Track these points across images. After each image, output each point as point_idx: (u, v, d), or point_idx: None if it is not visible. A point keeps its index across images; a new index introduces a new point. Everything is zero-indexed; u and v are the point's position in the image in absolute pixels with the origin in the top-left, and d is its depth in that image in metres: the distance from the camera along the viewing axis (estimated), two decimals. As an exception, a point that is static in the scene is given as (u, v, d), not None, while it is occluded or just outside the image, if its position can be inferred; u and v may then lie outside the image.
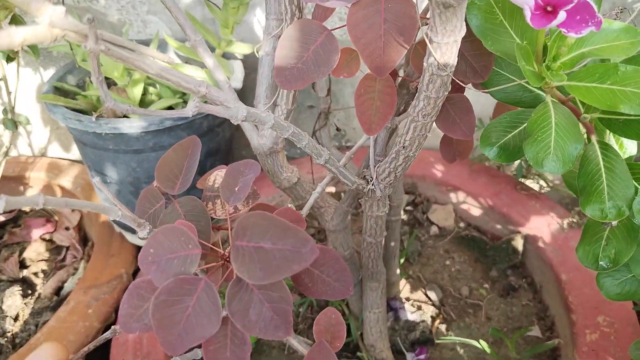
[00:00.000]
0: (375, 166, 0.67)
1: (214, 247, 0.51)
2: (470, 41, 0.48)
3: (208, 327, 0.41)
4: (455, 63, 0.45)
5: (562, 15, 0.36)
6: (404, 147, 0.57)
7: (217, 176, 0.60)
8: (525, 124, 0.49)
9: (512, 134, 0.49)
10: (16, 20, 0.83)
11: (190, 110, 0.43)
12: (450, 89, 0.48)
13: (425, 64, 0.46)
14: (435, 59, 0.43)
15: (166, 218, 0.57)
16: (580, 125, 0.50)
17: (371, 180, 0.67)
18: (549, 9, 0.39)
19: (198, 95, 0.45)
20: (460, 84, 0.50)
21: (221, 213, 0.58)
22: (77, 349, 0.89)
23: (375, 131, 0.56)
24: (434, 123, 0.55)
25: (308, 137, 0.57)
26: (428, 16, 0.54)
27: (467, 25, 0.43)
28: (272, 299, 0.42)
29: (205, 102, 0.48)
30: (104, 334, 0.56)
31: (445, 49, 0.42)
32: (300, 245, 0.38)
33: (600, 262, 0.55)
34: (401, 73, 0.66)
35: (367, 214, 0.74)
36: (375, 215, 0.74)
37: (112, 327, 0.57)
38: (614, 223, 0.54)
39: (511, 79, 0.53)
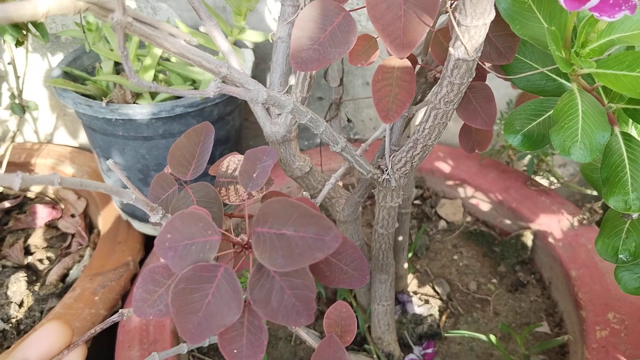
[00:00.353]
0: (390, 155, 0.66)
1: (229, 235, 0.51)
2: (494, 22, 0.47)
3: (228, 315, 0.40)
4: (482, 47, 0.44)
5: (596, -2, 0.35)
6: (422, 135, 0.56)
7: (231, 162, 0.59)
8: (549, 113, 0.49)
9: (537, 121, 0.48)
10: None
11: (211, 90, 0.42)
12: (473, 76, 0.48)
13: (450, 48, 0.45)
14: (462, 43, 0.42)
15: (178, 204, 0.57)
16: (604, 116, 0.49)
17: (386, 170, 0.66)
18: (582, -8, 0.38)
19: (219, 76, 0.44)
20: (486, 70, 0.49)
21: (234, 199, 0.57)
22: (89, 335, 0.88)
23: (392, 119, 0.55)
24: (454, 112, 0.54)
25: (325, 124, 0.57)
26: None
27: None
28: (295, 285, 0.41)
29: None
30: (111, 317, 0.56)
31: (473, 33, 0.41)
32: (323, 233, 0.37)
33: (620, 255, 0.54)
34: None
35: (380, 204, 0.73)
36: (389, 206, 0.73)
37: (120, 310, 0.57)
38: (635, 215, 0.54)
39: (534, 67, 0.52)
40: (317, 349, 0.49)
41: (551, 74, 0.52)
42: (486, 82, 0.55)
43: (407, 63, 0.53)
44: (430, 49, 0.56)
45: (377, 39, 0.57)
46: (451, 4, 0.58)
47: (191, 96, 0.41)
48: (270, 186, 0.55)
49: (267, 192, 0.57)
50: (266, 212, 0.40)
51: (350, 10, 0.49)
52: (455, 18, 0.42)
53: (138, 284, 0.45)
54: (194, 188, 0.56)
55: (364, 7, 0.50)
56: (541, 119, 0.49)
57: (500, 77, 0.55)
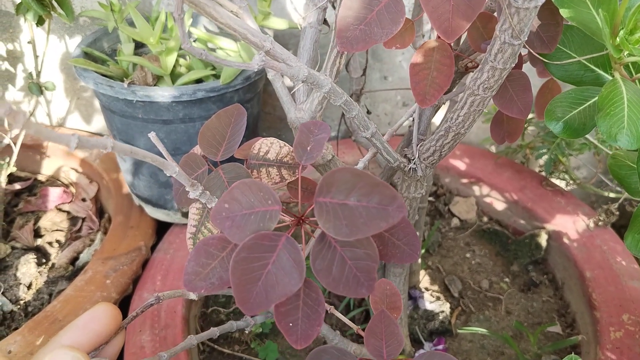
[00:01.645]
0: (418, 144, 0.66)
1: (284, 208, 0.50)
2: (539, 10, 0.47)
3: (290, 285, 0.39)
4: (529, 32, 0.43)
5: (658, -20, 0.35)
6: (456, 122, 0.56)
7: (263, 145, 0.58)
8: (590, 102, 0.48)
9: (578, 110, 0.48)
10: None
11: (256, 63, 0.42)
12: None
13: (497, 31, 0.44)
14: (511, 25, 0.42)
15: (209, 184, 0.56)
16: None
17: (413, 159, 0.66)
18: (638, -24, 0.38)
19: (263, 49, 0.44)
20: (532, 53, 0.48)
21: (266, 181, 0.57)
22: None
23: (429, 102, 0.54)
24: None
25: (358, 108, 0.56)
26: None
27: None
28: (356, 256, 0.40)
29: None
30: (149, 301, 0.55)
31: (523, 15, 0.41)
32: (387, 203, 0.37)
33: (652, 251, 0.54)
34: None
35: (402, 194, 0.73)
36: (411, 197, 0.72)
37: (156, 294, 0.56)
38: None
39: (573, 56, 0.52)
40: (369, 324, 0.49)
41: (589, 65, 0.51)
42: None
43: (447, 47, 0.52)
44: (467, 35, 0.56)
45: (413, 23, 0.56)
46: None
47: (237, 67, 0.40)
48: (304, 169, 0.55)
49: (295, 179, 0.56)
50: (329, 182, 0.39)
51: (397, -9, 0.48)
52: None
53: (191, 256, 0.44)
54: (225, 169, 0.55)
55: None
56: (582, 107, 0.48)
57: (534, 63, 0.55)
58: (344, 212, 0.38)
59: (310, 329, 0.41)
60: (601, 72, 0.51)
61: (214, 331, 0.63)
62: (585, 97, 0.49)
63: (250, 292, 0.39)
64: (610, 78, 0.51)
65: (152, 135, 0.46)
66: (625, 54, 0.43)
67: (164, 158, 0.45)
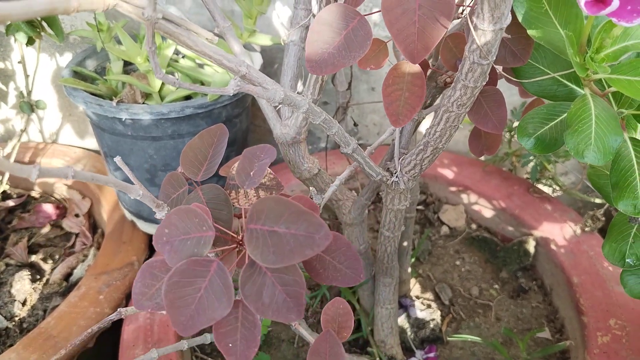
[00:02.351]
0: (400, 158, 0.67)
1: (227, 231, 0.51)
2: (509, 25, 0.48)
3: (219, 309, 0.41)
4: (497, 51, 0.45)
5: (615, 3, 0.36)
6: (433, 138, 0.57)
7: (242, 164, 0.60)
8: (561, 117, 0.50)
9: (549, 125, 0.49)
10: None
11: (231, 88, 0.43)
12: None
13: (466, 52, 0.46)
14: (478, 47, 0.43)
15: (189, 203, 0.57)
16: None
17: (395, 172, 0.67)
18: (598, -2, 0.39)
19: (238, 74, 0.45)
20: (498, 75, 0.50)
21: (244, 202, 0.58)
22: (88, 334, 0.89)
23: (402, 122, 0.56)
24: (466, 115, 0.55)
25: (338, 125, 0.57)
26: (467, 4, 0.54)
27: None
28: (285, 282, 0.42)
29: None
30: (110, 316, 0.57)
31: (490, 37, 0.42)
32: (314, 231, 0.38)
33: (627, 260, 0.55)
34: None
35: (387, 207, 0.74)
36: (396, 209, 0.74)
37: (119, 309, 0.58)
38: (642, 221, 0.55)
39: (546, 72, 0.53)
40: (313, 344, 0.50)
41: (562, 80, 0.53)
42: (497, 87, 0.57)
43: (418, 68, 0.54)
44: (440, 54, 0.57)
45: (387, 44, 0.57)
46: (462, 10, 0.59)
47: (211, 93, 0.41)
48: (281, 190, 0.56)
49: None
50: (259, 209, 0.41)
51: (365, 15, 0.50)
52: (472, 22, 0.43)
53: (137, 278, 0.47)
54: (204, 189, 0.56)
55: (378, 11, 0.51)
56: (553, 122, 0.50)
57: (511, 82, 0.56)
58: (272, 239, 0.39)
59: (248, 350, 0.43)
60: (574, 86, 0.53)
61: (206, 337, 0.65)
62: (557, 113, 0.50)
63: (184, 315, 0.41)
64: (582, 92, 0.52)
65: (117, 160, 0.47)
66: (591, 72, 0.44)
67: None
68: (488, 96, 0.54)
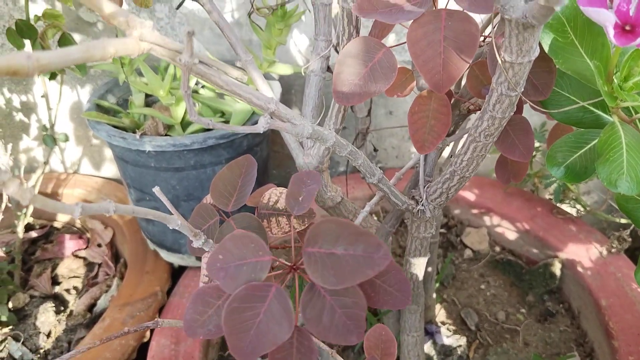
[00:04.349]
0: (425, 186, 0.67)
1: (278, 259, 0.51)
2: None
3: (279, 334, 0.40)
4: (524, 83, 0.45)
5: (645, 35, 0.36)
6: (460, 167, 0.57)
7: (272, 195, 0.60)
8: (590, 145, 0.49)
9: (578, 154, 0.49)
10: (65, 40, 0.85)
11: (262, 125, 0.43)
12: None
13: (493, 83, 0.46)
14: (506, 79, 0.43)
15: (222, 234, 0.58)
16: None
17: (421, 201, 0.67)
18: (627, 28, 0.39)
19: (267, 111, 0.46)
20: (528, 102, 0.50)
21: (277, 231, 0.58)
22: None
23: (428, 149, 0.56)
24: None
25: (364, 156, 0.57)
26: (488, 34, 0.54)
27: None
28: (345, 304, 0.42)
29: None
30: (147, 323, 0.56)
31: (517, 69, 0.42)
32: (373, 251, 0.38)
33: (663, 287, 0.54)
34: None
35: (412, 235, 0.74)
36: (422, 237, 0.73)
37: (156, 319, 0.57)
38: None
39: (571, 99, 0.53)
40: None
41: (588, 107, 0.52)
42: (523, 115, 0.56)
43: (444, 96, 0.54)
44: (466, 82, 0.57)
45: (413, 72, 0.58)
46: (484, 39, 0.60)
47: (242, 132, 0.42)
48: (313, 218, 0.56)
49: (310, 224, 0.57)
50: (316, 233, 0.41)
51: (390, 47, 0.50)
52: (499, 55, 0.43)
53: (189, 305, 0.46)
54: (236, 219, 0.57)
55: (403, 43, 0.51)
56: (582, 151, 0.49)
57: (536, 110, 0.56)
58: (331, 261, 0.39)
59: None
60: (600, 113, 0.52)
61: None
62: (585, 140, 0.50)
63: (243, 341, 0.41)
64: (610, 118, 0.52)
65: (156, 190, 0.48)
66: (620, 100, 0.44)
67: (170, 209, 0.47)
68: (515, 125, 0.54)
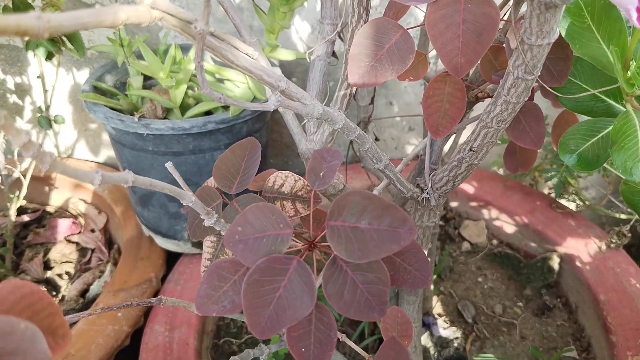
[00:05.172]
0: (430, 174, 0.66)
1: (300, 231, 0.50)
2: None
3: (300, 309, 0.39)
4: (541, 67, 0.44)
5: (670, 17, 0.35)
6: (471, 153, 0.56)
7: (277, 178, 0.59)
8: (602, 133, 0.48)
9: (591, 142, 0.48)
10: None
11: (272, 103, 0.42)
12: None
13: (510, 66, 0.45)
14: (524, 62, 0.42)
15: (226, 216, 0.56)
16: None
17: (426, 189, 0.66)
18: (650, 12, 0.38)
19: (278, 89, 0.44)
20: (539, 89, 0.49)
21: (281, 214, 0.57)
22: (107, 353, 0.87)
23: (442, 134, 0.55)
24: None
25: (371, 141, 0.56)
26: (506, 17, 0.53)
27: (557, 28, 0.42)
28: (368, 280, 0.40)
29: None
30: (151, 298, 0.55)
31: (536, 52, 0.41)
32: (398, 225, 0.37)
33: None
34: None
35: (415, 224, 0.73)
36: (425, 226, 0.72)
37: (159, 295, 0.56)
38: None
39: (583, 87, 0.52)
40: (379, 351, 0.48)
41: (600, 95, 0.52)
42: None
43: (459, 80, 0.53)
44: (479, 66, 0.56)
45: (426, 56, 0.57)
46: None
47: (254, 109, 0.40)
48: (319, 202, 0.55)
49: (315, 210, 0.56)
50: (341, 205, 0.39)
51: (408, 29, 0.49)
52: (518, 36, 0.42)
53: (203, 279, 0.45)
54: (240, 201, 0.56)
55: (420, 25, 0.50)
56: (595, 139, 0.48)
57: (547, 97, 0.55)
58: (355, 235, 0.38)
59: (322, 355, 0.41)
60: (612, 102, 0.52)
61: (249, 352, 0.63)
62: (597, 129, 0.49)
63: (262, 316, 0.39)
64: (621, 108, 0.51)
65: (169, 165, 0.47)
66: (637, 88, 0.43)
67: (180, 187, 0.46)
68: (526, 111, 0.53)
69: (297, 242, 0.49)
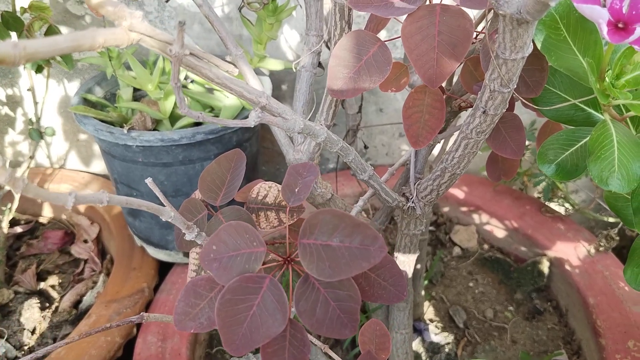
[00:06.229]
0: (415, 183, 0.66)
1: (273, 249, 0.51)
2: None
3: (273, 327, 0.40)
4: (517, 80, 0.44)
5: (638, 31, 0.36)
6: (451, 164, 0.56)
7: (261, 189, 0.59)
8: (581, 142, 0.49)
9: (569, 151, 0.49)
10: (52, 32, 0.83)
11: (252, 119, 0.43)
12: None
13: (486, 80, 0.45)
14: (499, 75, 0.43)
15: (210, 228, 0.57)
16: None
17: (411, 198, 0.66)
18: (620, 25, 0.39)
19: (258, 105, 0.45)
20: (520, 100, 0.49)
21: (265, 226, 0.57)
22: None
23: (422, 144, 0.55)
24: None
25: (355, 153, 0.57)
26: (482, 30, 0.54)
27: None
28: (339, 297, 0.41)
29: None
30: (132, 317, 0.55)
31: (511, 66, 0.42)
32: (369, 243, 0.38)
33: (651, 285, 0.54)
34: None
35: (402, 232, 0.73)
36: (411, 234, 0.73)
37: (141, 313, 0.56)
38: (665, 245, 0.54)
39: (563, 97, 0.53)
40: None
41: (580, 104, 0.52)
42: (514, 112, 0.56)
43: (438, 91, 0.54)
44: (459, 77, 0.57)
45: (407, 67, 0.57)
46: (476, 35, 0.59)
47: (233, 125, 0.41)
48: (302, 212, 0.56)
49: (298, 219, 0.57)
50: (312, 224, 0.40)
51: (385, 41, 0.50)
52: (493, 50, 0.43)
53: (180, 297, 0.45)
54: (225, 212, 0.56)
55: (398, 37, 0.51)
56: (573, 148, 0.49)
57: (528, 107, 0.56)
58: (327, 253, 0.39)
59: None
60: (592, 111, 0.52)
61: (249, 356, 0.64)
62: (576, 138, 0.50)
63: (236, 334, 0.40)
64: (601, 117, 0.52)
65: (148, 181, 0.47)
66: (612, 98, 0.44)
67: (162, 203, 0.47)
68: (506, 122, 0.54)
69: (275, 256, 0.49)
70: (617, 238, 0.99)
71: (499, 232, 1.13)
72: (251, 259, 0.41)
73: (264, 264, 0.49)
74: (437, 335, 0.98)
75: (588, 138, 0.49)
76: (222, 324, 0.40)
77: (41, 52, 0.30)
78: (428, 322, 1.01)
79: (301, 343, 0.42)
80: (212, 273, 0.41)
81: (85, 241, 1.22)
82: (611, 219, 1.08)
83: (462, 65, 0.56)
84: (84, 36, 0.32)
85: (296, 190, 0.50)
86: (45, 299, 1.11)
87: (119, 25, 0.35)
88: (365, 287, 0.48)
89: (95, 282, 1.12)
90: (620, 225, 1.01)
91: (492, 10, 0.54)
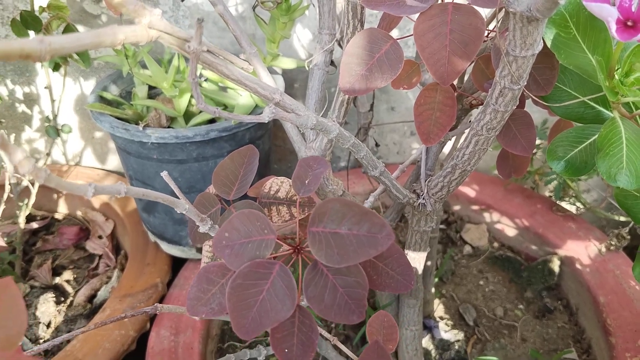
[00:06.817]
0: (426, 180, 0.67)
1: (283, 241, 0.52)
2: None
3: (282, 311, 0.41)
4: (527, 77, 0.45)
5: (647, 29, 0.37)
6: (462, 161, 0.57)
7: (273, 184, 0.60)
8: (590, 139, 0.50)
9: (579, 148, 0.49)
10: (70, 31, 0.85)
11: (266, 115, 0.44)
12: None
13: (497, 77, 0.46)
14: (510, 72, 0.44)
15: (223, 222, 0.58)
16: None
17: (422, 194, 0.67)
18: (629, 23, 0.40)
19: (272, 102, 0.46)
20: (531, 97, 0.50)
21: (277, 220, 0.59)
22: (113, 357, 0.89)
23: (433, 141, 0.56)
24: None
25: (366, 149, 0.58)
26: (493, 28, 0.55)
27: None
28: (347, 283, 0.42)
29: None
30: (146, 308, 0.57)
31: (521, 63, 0.43)
32: (377, 231, 0.39)
33: (660, 281, 0.54)
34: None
35: (413, 228, 0.74)
36: (422, 230, 0.74)
37: (155, 304, 0.58)
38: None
39: (573, 94, 0.53)
40: (362, 354, 0.50)
41: (590, 102, 0.53)
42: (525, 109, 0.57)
43: (449, 88, 0.54)
44: (471, 75, 0.58)
45: (419, 65, 0.58)
46: (488, 34, 0.60)
47: (248, 121, 0.42)
48: (313, 207, 0.57)
49: (309, 214, 0.58)
50: (321, 212, 0.41)
51: (397, 39, 0.50)
52: (503, 48, 0.43)
53: (193, 283, 0.47)
54: (237, 206, 0.57)
55: (410, 36, 0.51)
56: (583, 145, 0.50)
57: (538, 105, 0.56)
58: (335, 241, 0.40)
59: (304, 355, 0.43)
60: (601, 108, 0.53)
61: (229, 357, 0.65)
62: (586, 135, 0.50)
63: (245, 317, 0.41)
64: (610, 114, 0.52)
65: (164, 174, 0.48)
66: (621, 95, 0.44)
67: (177, 196, 0.48)
68: (517, 119, 0.55)
69: (285, 245, 0.50)
70: (629, 237, 0.99)
71: (510, 231, 1.14)
72: (262, 245, 0.42)
73: (274, 254, 0.50)
74: (447, 332, 0.99)
75: (597, 135, 0.50)
76: (232, 307, 0.41)
77: (66, 47, 0.31)
78: (438, 319, 1.02)
79: (309, 329, 0.43)
80: (224, 259, 0.42)
81: (100, 237, 1.24)
82: (622, 218, 1.08)
83: (473, 63, 0.57)
84: (105, 33, 0.33)
85: (306, 181, 0.51)
86: (60, 293, 1.13)
87: (138, 22, 0.36)
88: (374, 276, 0.49)
89: (109, 277, 1.14)
90: (631, 224, 1.01)
91: (503, 9, 0.55)
